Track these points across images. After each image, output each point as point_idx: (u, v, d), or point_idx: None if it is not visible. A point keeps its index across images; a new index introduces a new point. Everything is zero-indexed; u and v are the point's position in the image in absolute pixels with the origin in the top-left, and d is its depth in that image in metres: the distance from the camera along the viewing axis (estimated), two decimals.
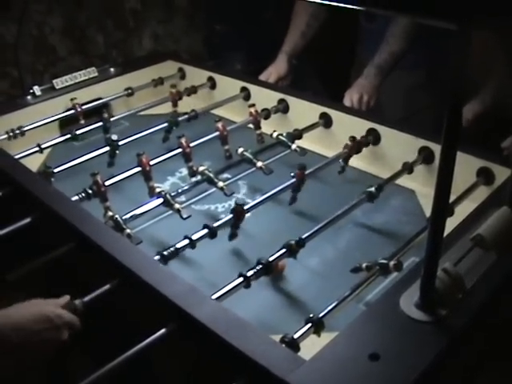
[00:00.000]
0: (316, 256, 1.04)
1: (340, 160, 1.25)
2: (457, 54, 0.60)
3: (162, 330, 0.72)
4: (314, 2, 0.96)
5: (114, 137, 1.30)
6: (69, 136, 1.39)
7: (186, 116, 1.45)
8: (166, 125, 1.41)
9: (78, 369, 0.97)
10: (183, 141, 1.26)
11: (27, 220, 0.98)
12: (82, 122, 1.49)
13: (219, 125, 1.33)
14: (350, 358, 0.66)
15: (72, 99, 1.51)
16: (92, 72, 1.61)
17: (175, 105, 1.57)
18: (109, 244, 0.86)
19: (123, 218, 1.03)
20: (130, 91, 1.60)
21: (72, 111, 1.49)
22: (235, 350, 0.67)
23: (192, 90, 1.61)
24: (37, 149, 1.32)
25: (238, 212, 1.02)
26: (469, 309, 0.75)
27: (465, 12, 0.54)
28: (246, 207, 1.04)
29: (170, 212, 1.13)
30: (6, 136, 1.37)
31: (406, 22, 1.56)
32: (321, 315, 0.78)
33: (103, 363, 0.69)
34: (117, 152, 1.30)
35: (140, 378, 0.82)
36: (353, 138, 1.27)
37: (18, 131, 1.38)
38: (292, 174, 1.13)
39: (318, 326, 0.77)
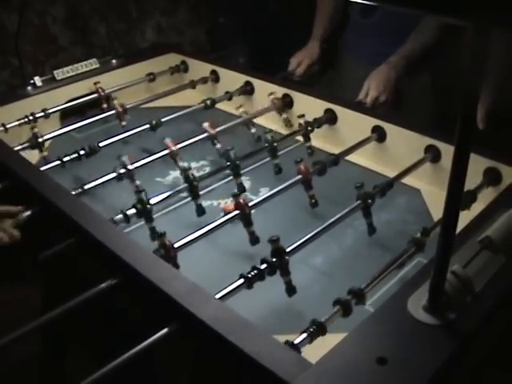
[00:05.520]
0: (320, 255, 1.02)
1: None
2: (472, 56, 0.58)
3: (164, 330, 0.71)
4: None
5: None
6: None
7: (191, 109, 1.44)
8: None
9: (77, 368, 0.96)
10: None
11: (27, 213, 0.97)
12: (105, 106, 1.50)
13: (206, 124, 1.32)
14: (357, 362, 0.65)
15: (95, 83, 1.51)
16: (94, 63, 1.59)
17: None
18: (110, 240, 0.84)
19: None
20: (151, 77, 1.63)
21: (95, 95, 1.51)
22: (239, 351, 0.65)
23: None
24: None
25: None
26: (478, 312, 0.73)
27: (484, 8, 0.52)
28: (250, 204, 1.02)
29: (172, 207, 1.12)
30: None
31: None
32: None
33: (103, 363, 0.67)
34: None
35: (141, 378, 0.80)
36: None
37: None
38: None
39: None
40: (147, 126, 1.36)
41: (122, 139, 1.32)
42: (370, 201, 1.04)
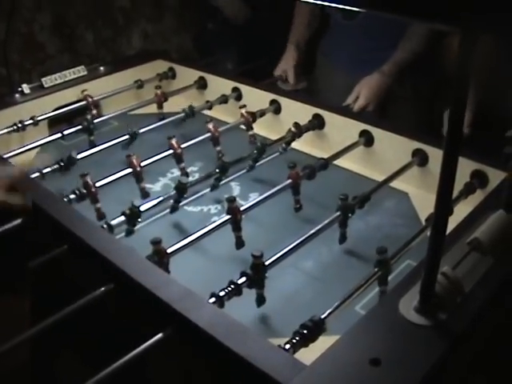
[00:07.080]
0: (311, 259, 1.03)
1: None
2: (461, 59, 0.59)
3: (159, 335, 0.71)
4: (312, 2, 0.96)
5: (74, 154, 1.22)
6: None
7: (179, 116, 1.44)
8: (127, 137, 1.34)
9: (69, 375, 0.95)
10: (174, 142, 1.24)
11: (18, 222, 0.96)
12: (94, 112, 1.49)
13: (210, 126, 1.32)
14: (350, 364, 0.66)
15: (83, 91, 1.51)
16: (82, 70, 1.59)
17: (160, 107, 1.54)
18: (103, 247, 0.84)
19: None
20: (139, 83, 1.63)
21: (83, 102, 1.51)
22: (234, 355, 0.66)
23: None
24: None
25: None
26: (468, 312, 0.74)
27: (470, 13, 0.54)
28: (242, 208, 1.02)
29: (163, 213, 1.12)
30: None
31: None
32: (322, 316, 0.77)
33: (97, 369, 0.67)
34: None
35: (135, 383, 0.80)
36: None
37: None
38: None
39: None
40: (127, 136, 1.34)
41: (103, 149, 1.30)
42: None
